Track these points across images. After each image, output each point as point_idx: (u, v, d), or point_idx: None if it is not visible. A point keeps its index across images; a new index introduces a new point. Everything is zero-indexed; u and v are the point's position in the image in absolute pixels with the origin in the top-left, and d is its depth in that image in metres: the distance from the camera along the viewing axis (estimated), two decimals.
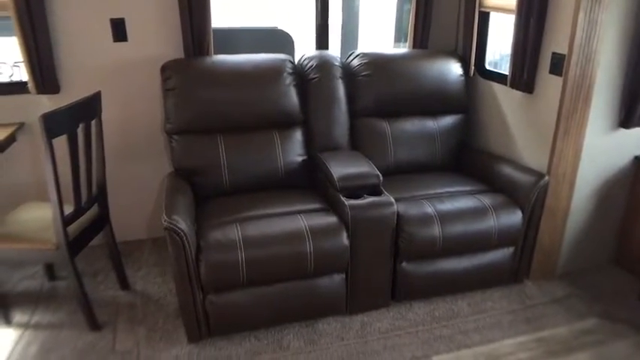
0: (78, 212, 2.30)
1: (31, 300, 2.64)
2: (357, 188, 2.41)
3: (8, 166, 2.81)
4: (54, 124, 2.01)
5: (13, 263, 2.79)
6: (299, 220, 2.30)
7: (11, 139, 2.68)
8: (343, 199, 2.34)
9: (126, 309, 2.57)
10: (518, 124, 2.79)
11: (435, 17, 3.16)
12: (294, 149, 2.73)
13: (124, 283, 2.72)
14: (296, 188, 2.68)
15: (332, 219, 2.34)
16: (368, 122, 2.88)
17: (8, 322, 2.45)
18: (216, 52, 2.84)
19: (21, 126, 2.78)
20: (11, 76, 3.16)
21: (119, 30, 2.73)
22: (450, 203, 2.53)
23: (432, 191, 2.66)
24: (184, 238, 2.04)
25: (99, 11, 2.68)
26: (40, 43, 2.58)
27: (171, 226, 2.01)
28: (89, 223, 2.44)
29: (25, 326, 2.44)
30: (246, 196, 2.56)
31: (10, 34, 2.58)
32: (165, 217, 2.04)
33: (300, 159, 2.74)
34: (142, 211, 3.14)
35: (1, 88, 2.80)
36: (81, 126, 2.21)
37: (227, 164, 2.62)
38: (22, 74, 2.71)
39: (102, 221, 2.55)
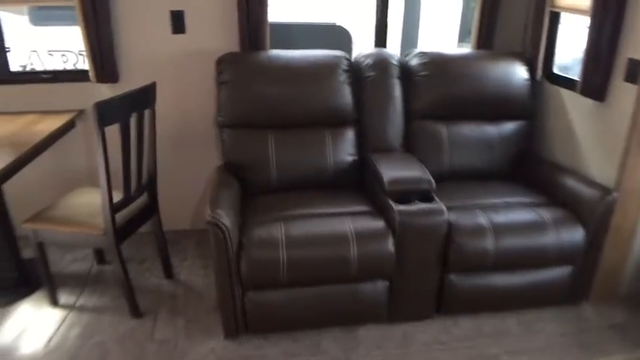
0: (127, 200, 2.32)
1: (79, 282, 2.72)
2: (407, 193, 2.31)
3: (66, 150, 2.90)
4: (107, 112, 2.04)
5: (63, 245, 2.88)
6: (345, 222, 2.23)
7: (71, 125, 2.76)
8: (392, 203, 2.25)
9: (168, 298, 2.59)
10: (586, 134, 2.60)
11: (502, 16, 3.00)
12: (345, 149, 2.66)
13: (169, 273, 2.75)
14: (344, 189, 2.61)
15: (379, 223, 2.25)
16: (424, 124, 2.77)
17: (55, 302, 2.53)
18: (273, 47, 2.81)
19: (80, 113, 2.86)
20: (76, 63, 3.28)
21: (178, 22, 2.75)
22: (506, 215, 2.39)
23: (487, 201, 2.52)
24: (226, 233, 2.02)
25: (159, 3, 2.72)
26: (102, 33, 2.64)
27: (215, 220, 2.00)
28: (137, 212, 2.47)
29: (70, 308, 2.51)
30: (293, 194, 2.52)
31: (75, 24, 2.64)
32: (209, 211, 2.02)
33: (350, 159, 2.67)
34: (192, 201, 3.17)
35: (64, 76, 2.90)
36: (134, 115, 2.24)
37: (276, 161, 2.59)
38: (85, 63, 2.78)
39: (150, 210, 2.58)
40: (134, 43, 2.78)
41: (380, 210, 2.37)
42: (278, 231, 2.16)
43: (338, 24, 3.61)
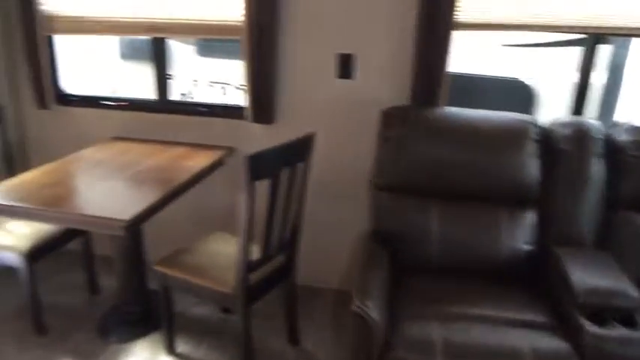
0: (264, 260, 2.07)
1: (199, 330, 2.53)
2: (605, 309, 1.78)
3: (209, 188, 2.75)
4: (259, 166, 1.80)
5: (190, 293, 2.72)
6: (520, 336, 1.76)
7: (219, 163, 2.62)
8: (583, 322, 1.74)
9: None
10: None
11: None
12: (521, 235, 2.18)
13: (294, 338, 2.46)
14: (516, 285, 2.11)
15: (561, 345, 1.74)
16: (630, 217, 2.17)
17: (172, 349, 2.36)
18: (444, 99, 2.44)
19: (231, 151, 2.71)
20: (233, 97, 3.20)
21: (345, 66, 2.49)
22: None
23: None
24: (373, 329, 1.66)
25: (327, 45, 2.49)
26: (264, 71, 2.47)
27: (362, 313, 1.65)
28: (273, 271, 2.21)
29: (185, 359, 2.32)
30: (454, 283, 2.09)
31: (229, 57, 2.52)
32: (357, 302, 1.67)
33: (526, 248, 2.18)
34: (330, 259, 2.86)
35: (220, 110, 2.79)
36: (286, 169, 1.99)
37: (438, 236, 2.19)
38: (241, 98, 2.64)
39: (287, 270, 2.31)
40: (295, 85, 2.58)
41: (561, 322, 1.86)
42: (435, 332, 1.75)
43: (521, 79, 3.14)
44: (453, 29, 2.29)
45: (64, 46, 3.02)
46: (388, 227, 2.25)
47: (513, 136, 2.21)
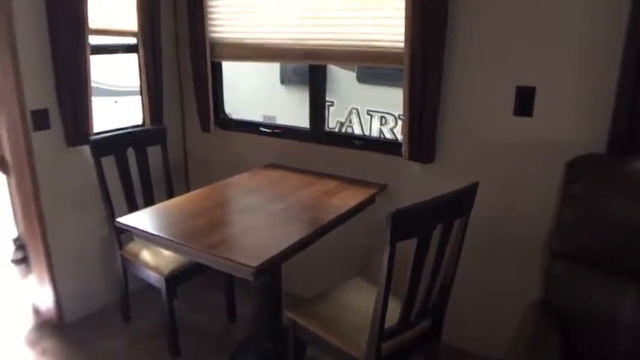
0: (402, 327, 1.77)
1: None
2: None
3: (358, 226, 2.53)
4: (406, 225, 1.51)
5: (317, 347, 2.47)
6: None
7: (370, 201, 2.39)
8: None
9: None
10: None
11: None
12: None
13: None
14: None
15: None
16: None
17: None
18: None
19: (383, 188, 2.46)
20: (394, 128, 2.97)
21: (525, 101, 2.07)
22: None
23: None
24: None
25: (503, 76, 2.10)
26: (426, 104, 2.18)
27: None
28: (415, 336, 1.89)
29: None
30: None
31: (391, 84, 2.26)
32: None
33: None
34: (489, 325, 2.41)
35: (375, 145, 2.59)
36: (440, 226, 1.66)
37: (629, 326, 1.67)
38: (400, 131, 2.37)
39: (431, 337, 1.98)
40: (461, 121, 2.24)
41: None
42: None
43: None
44: None
45: (229, 71, 3.07)
46: (563, 303, 1.79)
47: None
